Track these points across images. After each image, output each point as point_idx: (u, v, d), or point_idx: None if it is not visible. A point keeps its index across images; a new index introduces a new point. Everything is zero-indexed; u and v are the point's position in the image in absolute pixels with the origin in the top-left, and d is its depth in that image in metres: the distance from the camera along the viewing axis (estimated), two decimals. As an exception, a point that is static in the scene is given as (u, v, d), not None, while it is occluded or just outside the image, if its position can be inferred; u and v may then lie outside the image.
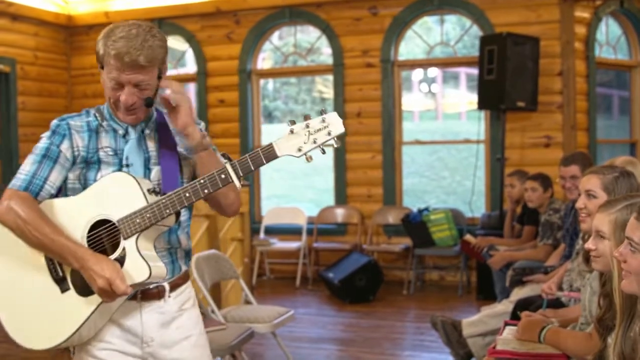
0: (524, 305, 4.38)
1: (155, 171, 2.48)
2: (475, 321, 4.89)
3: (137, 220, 2.28)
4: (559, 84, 7.61)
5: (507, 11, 7.75)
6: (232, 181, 2.26)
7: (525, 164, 7.50)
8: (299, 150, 2.24)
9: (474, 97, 16.92)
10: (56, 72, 9.35)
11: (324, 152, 2.27)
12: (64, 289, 2.34)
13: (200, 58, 9.01)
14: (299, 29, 9.47)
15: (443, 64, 9.41)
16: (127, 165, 2.44)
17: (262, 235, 8.45)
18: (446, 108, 19.50)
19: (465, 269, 7.82)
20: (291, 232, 8.50)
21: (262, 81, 9.30)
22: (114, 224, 2.32)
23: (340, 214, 8.46)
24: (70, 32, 9.47)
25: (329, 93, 17.48)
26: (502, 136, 7.48)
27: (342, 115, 8.26)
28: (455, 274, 8.02)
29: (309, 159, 2.27)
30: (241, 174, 2.26)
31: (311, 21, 8.63)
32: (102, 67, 2.37)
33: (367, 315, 6.83)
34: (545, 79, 7.56)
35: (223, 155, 2.40)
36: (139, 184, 2.32)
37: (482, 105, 7.63)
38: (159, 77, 2.41)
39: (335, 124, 2.28)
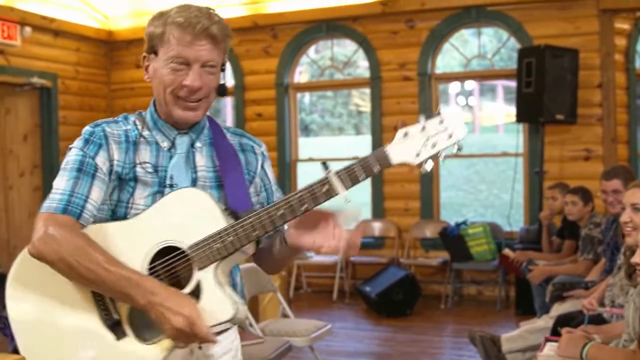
0: (564, 321, 4.33)
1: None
2: (514, 337, 4.84)
3: (217, 246, 1.86)
4: (599, 97, 7.52)
5: (545, 23, 7.69)
6: (337, 194, 1.91)
7: (565, 177, 7.42)
8: (417, 155, 1.87)
9: (511, 110, 16.80)
10: (96, 86, 9.49)
11: (443, 160, 1.89)
12: (119, 335, 1.87)
13: (238, 72, 9.08)
14: (335, 43, 9.51)
15: (480, 76, 9.37)
16: (171, 186, 2.01)
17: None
18: (483, 121, 19.40)
19: (504, 284, 7.74)
20: (328, 245, 8.48)
21: (298, 94, 9.33)
22: (183, 252, 1.89)
23: (377, 227, 8.44)
24: (111, 47, 9.62)
25: (366, 106, 17.52)
26: (541, 149, 7.41)
27: (380, 128, 8.32)
28: (493, 288, 7.94)
29: (423, 169, 1.89)
30: (349, 185, 1.91)
31: (348, 35, 8.65)
32: (155, 53, 2.00)
33: (404, 329, 6.80)
34: (585, 91, 7.48)
35: (323, 164, 1.97)
36: (215, 201, 1.92)
37: (520, 118, 7.57)
38: (222, 69, 2.08)
39: (456, 125, 1.85)
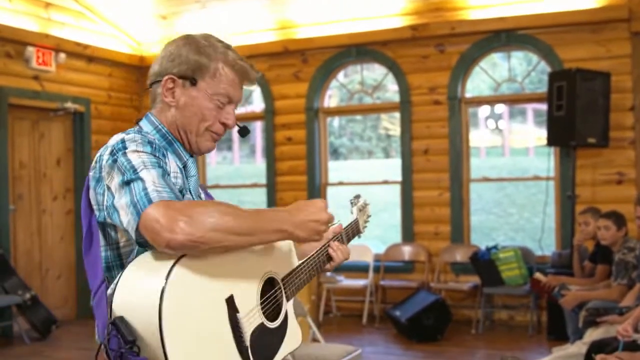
0: (598, 347, 4.27)
1: None
2: (547, 363, 4.79)
3: (296, 280, 2.06)
4: (631, 120, 7.46)
5: (576, 47, 7.66)
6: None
7: (597, 201, 7.35)
8: (365, 222, 2.71)
9: (541, 133, 16.71)
10: (129, 111, 9.61)
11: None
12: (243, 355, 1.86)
13: (268, 96, 9.14)
14: (364, 67, 9.55)
15: (510, 100, 9.34)
16: None
17: (328, 273, 8.45)
18: (513, 144, 19.31)
19: (536, 309, 7.66)
20: (358, 269, 8.48)
21: (328, 118, 9.37)
22: (278, 284, 2.02)
23: (407, 251, 8.41)
24: (142, 73, 9.75)
25: (395, 130, 17.55)
26: (573, 173, 7.35)
27: (410, 152, 8.32)
28: (525, 313, 7.86)
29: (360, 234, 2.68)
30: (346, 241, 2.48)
31: (377, 59, 8.69)
32: (193, 81, 1.99)
33: (435, 354, 6.74)
34: (617, 114, 7.43)
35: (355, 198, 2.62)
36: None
37: (551, 141, 7.52)
38: None
39: (367, 208, 2.71)
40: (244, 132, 2.13)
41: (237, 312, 1.84)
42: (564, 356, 4.78)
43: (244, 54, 7.75)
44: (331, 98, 10.93)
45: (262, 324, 1.93)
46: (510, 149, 19.09)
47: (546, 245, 8.12)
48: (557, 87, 7.25)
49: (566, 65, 7.57)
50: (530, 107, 17.83)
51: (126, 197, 1.74)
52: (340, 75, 9.71)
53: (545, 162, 7.96)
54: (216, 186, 10.53)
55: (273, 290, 1.99)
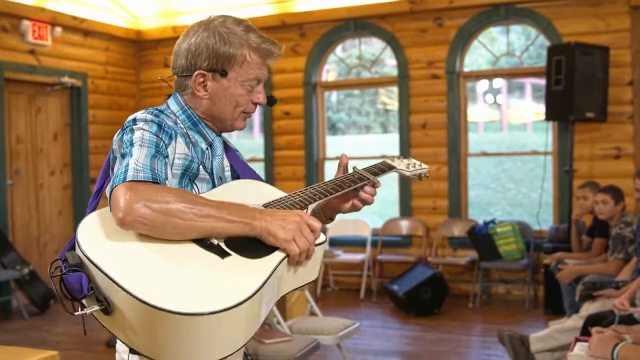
0: (595, 320, 4.29)
1: None
2: (543, 336, 4.81)
3: (288, 204, 2.00)
4: (630, 94, 7.44)
5: (575, 20, 7.62)
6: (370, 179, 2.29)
7: (595, 176, 7.36)
8: (407, 166, 2.47)
9: (540, 108, 16.69)
10: (126, 85, 9.57)
11: (421, 178, 2.51)
12: (223, 255, 1.79)
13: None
14: (362, 41, 9.50)
15: (509, 74, 9.31)
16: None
17: (326, 246, 8.45)
18: (511, 119, 19.28)
19: (533, 283, 7.69)
20: (355, 244, 8.50)
21: (326, 93, 9.34)
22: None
23: (405, 226, 8.42)
24: (140, 47, 9.69)
25: (393, 104, 17.49)
26: (571, 148, 7.34)
27: (407, 127, 8.30)
28: (522, 287, 7.89)
29: (412, 179, 2.50)
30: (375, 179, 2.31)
31: (376, 33, 8.64)
32: (223, 73, 2.04)
33: (432, 328, 6.78)
34: (615, 89, 7.40)
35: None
36: (277, 190, 2.10)
37: (549, 116, 7.51)
38: None
39: (424, 167, 2.52)
40: (272, 102, 2.21)
41: None
42: (560, 330, 4.80)
43: (241, 28, 7.50)
44: (329, 72, 10.88)
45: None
46: (508, 124, 19.05)
47: (543, 220, 8.13)
48: (555, 61, 7.22)
49: (565, 39, 7.54)
50: (528, 82, 17.76)
51: (116, 168, 1.82)
52: (338, 50, 9.66)
53: (543, 137, 7.95)
54: (214, 161, 10.51)
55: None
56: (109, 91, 9.25)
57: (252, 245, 1.84)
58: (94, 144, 8.85)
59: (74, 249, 1.78)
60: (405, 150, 8.40)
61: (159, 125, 1.93)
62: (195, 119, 2.09)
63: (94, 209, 1.96)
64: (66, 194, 8.74)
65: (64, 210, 8.70)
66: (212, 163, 2.09)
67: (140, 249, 1.75)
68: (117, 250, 1.74)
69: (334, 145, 12.63)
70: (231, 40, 2.02)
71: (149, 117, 1.95)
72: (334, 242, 8.60)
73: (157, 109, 2.04)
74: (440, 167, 8.26)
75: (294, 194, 2.05)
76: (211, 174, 2.08)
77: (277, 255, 1.83)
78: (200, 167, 2.03)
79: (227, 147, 2.22)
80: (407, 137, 8.41)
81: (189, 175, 1.99)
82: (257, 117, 18.98)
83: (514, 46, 9.18)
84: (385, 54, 9.30)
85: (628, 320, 4.02)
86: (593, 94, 7.19)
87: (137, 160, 1.79)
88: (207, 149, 2.09)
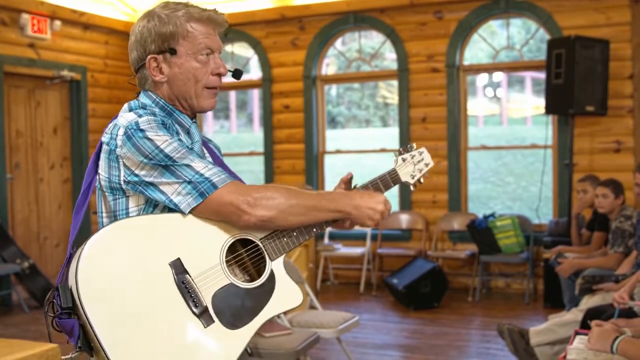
0: (594, 314, 4.29)
1: None
2: (543, 330, 4.81)
3: (285, 240, 2.05)
4: (630, 88, 7.44)
5: (575, 14, 7.61)
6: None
7: (595, 169, 7.35)
8: (412, 177, 2.38)
9: (539, 102, 16.68)
10: (125, 79, 9.56)
11: (421, 182, 2.42)
12: (207, 322, 1.91)
13: (266, 64, 9.09)
14: (362, 34, 9.48)
15: (509, 68, 9.29)
16: None
17: (326, 240, 8.47)
18: (511, 112, 19.26)
19: (532, 277, 7.70)
20: (355, 237, 8.50)
21: (325, 87, 9.33)
22: (255, 244, 2.04)
23: (404, 219, 8.42)
24: (139, 40, 9.66)
25: (393, 98, 17.47)
26: (571, 141, 7.34)
27: (407, 120, 8.30)
28: (521, 281, 7.90)
29: (415, 186, 2.41)
30: (383, 189, 2.30)
31: (376, 26, 8.63)
32: (171, 51, 2.04)
33: (432, 322, 6.78)
34: (615, 82, 7.40)
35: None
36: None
37: (549, 110, 7.51)
38: None
39: (428, 158, 2.43)
40: (237, 74, 2.18)
41: (187, 273, 1.90)
42: (560, 323, 4.80)
43: (240, 21, 7.73)
44: (329, 66, 10.87)
45: (231, 284, 1.96)
46: (508, 117, 19.04)
47: (543, 214, 8.13)
48: (555, 54, 7.21)
49: (565, 32, 7.53)
50: (528, 76, 17.75)
51: (168, 178, 1.92)
52: (338, 43, 9.65)
53: (543, 131, 7.94)
54: (213, 155, 10.52)
55: (244, 250, 2.02)
56: (109, 85, 9.24)
57: (239, 306, 1.96)
58: (93, 137, 8.84)
59: (70, 262, 1.86)
60: (406, 144, 8.36)
61: (165, 125, 1.98)
62: (168, 109, 2.10)
63: (83, 207, 2.03)
64: (66, 188, 8.73)
65: (64, 204, 8.70)
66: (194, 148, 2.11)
67: (136, 304, 1.83)
68: (112, 299, 1.82)
69: (334, 139, 12.63)
70: (170, 18, 2.03)
71: (152, 119, 1.97)
72: (334, 236, 8.61)
73: (141, 104, 2.09)
74: (440, 160, 8.26)
75: None
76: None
77: (257, 322, 1.98)
78: None
79: (204, 142, 2.22)
80: (407, 130, 8.41)
81: None
82: (256, 110, 18.99)
83: (514, 40, 9.16)
84: (385, 47, 9.28)
85: (628, 313, 4.02)
86: (593, 87, 7.19)
87: (201, 166, 1.93)
88: (186, 136, 2.10)
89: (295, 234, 2.06)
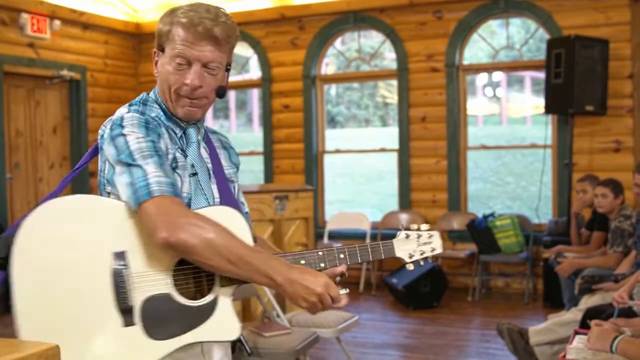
0: (594, 314, 4.29)
1: (216, 189, 2.13)
2: (542, 329, 4.82)
3: None
4: (630, 87, 7.43)
5: (575, 13, 7.61)
6: (341, 264, 2.16)
7: (594, 169, 7.35)
8: (410, 257, 2.25)
9: (539, 101, 16.66)
10: (125, 79, 9.56)
11: (420, 264, 2.29)
12: (128, 322, 1.87)
13: (265, 64, 9.09)
14: (362, 34, 9.48)
15: (508, 67, 9.29)
16: (194, 174, 2.08)
17: (325, 240, 8.47)
18: (511, 112, 19.26)
19: (532, 276, 7.70)
20: (355, 237, 8.49)
21: (325, 86, 9.33)
22: None
23: (404, 219, 8.42)
24: (139, 40, 9.68)
25: (392, 98, 17.46)
26: (570, 141, 7.34)
27: (407, 120, 8.30)
28: (521, 281, 7.90)
29: (408, 265, 2.27)
30: (356, 261, 2.17)
31: (375, 26, 8.63)
32: (163, 50, 2.03)
33: (432, 321, 6.78)
34: (615, 82, 7.40)
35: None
36: (250, 229, 2.02)
37: (549, 109, 7.51)
38: (227, 70, 2.10)
39: (438, 243, 2.29)
40: (219, 92, 2.07)
41: (126, 268, 1.87)
42: (559, 323, 4.80)
43: (240, 21, 7.64)
44: (328, 66, 10.87)
45: (167, 294, 1.90)
46: (507, 117, 19.03)
47: (543, 213, 8.13)
48: (555, 54, 7.21)
49: (565, 32, 7.53)
50: (528, 76, 17.74)
51: (125, 177, 1.89)
52: (338, 43, 9.64)
53: (543, 131, 7.94)
54: (213, 154, 10.52)
55: (195, 267, 1.93)
56: (108, 84, 9.24)
57: (167, 319, 1.89)
58: (93, 137, 8.84)
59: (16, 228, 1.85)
60: (405, 144, 8.40)
61: (147, 125, 1.96)
62: (165, 108, 2.09)
63: (65, 185, 2.15)
64: (65, 188, 8.72)
65: (64, 203, 8.69)
66: (186, 151, 2.09)
67: (64, 279, 1.82)
68: (43, 266, 1.81)
69: (333, 139, 12.63)
70: (169, 17, 2.02)
71: (136, 116, 1.98)
72: (334, 236, 8.60)
73: (141, 100, 2.10)
74: (440, 160, 8.26)
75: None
76: (189, 164, 2.08)
77: (180, 341, 1.89)
78: (180, 154, 2.05)
79: (211, 145, 2.20)
80: (407, 130, 8.41)
81: (173, 168, 2.01)
82: (256, 110, 18.99)
83: (513, 39, 9.17)
84: (384, 47, 9.28)
85: (627, 313, 4.03)
86: (593, 87, 7.19)
87: (153, 172, 1.87)
88: (181, 136, 2.09)
89: None
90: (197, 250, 1.81)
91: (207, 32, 1.96)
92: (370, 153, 11.85)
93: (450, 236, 8.23)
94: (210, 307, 1.93)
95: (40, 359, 1.40)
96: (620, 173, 6.87)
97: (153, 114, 2.06)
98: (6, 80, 7.94)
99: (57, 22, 8.33)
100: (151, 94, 2.12)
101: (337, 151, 10.11)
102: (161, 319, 1.89)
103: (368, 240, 8.31)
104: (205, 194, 2.08)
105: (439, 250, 2.28)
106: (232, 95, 18.28)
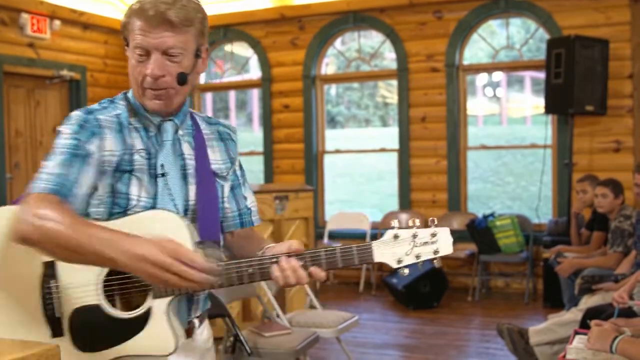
0: (594, 314, 4.29)
1: (193, 189, 2.00)
2: (543, 329, 4.81)
3: None
4: (629, 87, 7.43)
5: (575, 13, 7.61)
6: (307, 270, 1.86)
7: (594, 169, 7.35)
8: (398, 262, 1.90)
9: (539, 101, 16.66)
10: (125, 79, 9.54)
11: (408, 268, 1.94)
12: (56, 332, 1.83)
13: (265, 64, 9.09)
14: (362, 34, 9.48)
15: (508, 67, 9.29)
16: (163, 175, 1.95)
17: (326, 240, 8.47)
18: (511, 112, 19.26)
19: (532, 276, 7.70)
20: (355, 237, 8.49)
21: (325, 86, 9.33)
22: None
23: (404, 219, 8.41)
24: (138, 40, 9.66)
25: (392, 98, 17.47)
26: (570, 141, 7.34)
27: (407, 120, 8.29)
28: (521, 281, 7.90)
29: (400, 272, 1.93)
30: (324, 268, 1.88)
31: (375, 26, 8.63)
32: (128, 43, 1.93)
33: (432, 321, 6.78)
34: (615, 82, 7.40)
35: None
36: (190, 234, 1.84)
37: (549, 109, 7.51)
38: (197, 56, 1.96)
39: (445, 243, 1.97)
40: (179, 79, 1.91)
41: (52, 278, 1.83)
42: (559, 323, 4.80)
43: (240, 21, 7.70)
44: (328, 66, 10.87)
45: (97, 306, 1.83)
46: (507, 117, 19.03)
47: (543, 213, 8.13)
48: (555, 54, 7.21)
49: (565, 32, 7.53)
50: (528, 76, 17.75)
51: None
52: (338, 43, 9.64)
53: (543, 131, 7.94)
54: (213, 154, 10.52)
55: (128, 278, 1.82)
56: (108, 84, 9.23)
57: (98, 331, 1.82)
58: (93, 137, 8.83)
59: None
60: (405, 144, 8.40)
61: (83, 125, 1.88)
62: (138, 104, 1.97)
63: None
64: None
65: (63, 203, 8.69)
66: (157, 151, 1.97)
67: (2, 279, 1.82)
68: None
69: (333, 139, 12.62)
70: (128, 9, 1.92)
71: (76, 116, 1.91)
72: (334, 236, 8.60)
73: (111, 99, 2.02)
74: (440, 160, 8.26)
75: None
76: (155, 164, 1.95)
77: (111, 353, 1.82)
78: (141, 156, 1.93)
79: (199, 139, 2.06)
80: (407, 130, 8.41)
81: (123, 169, 1.91)
82: (256, 110, 18.99)
83: (513, 39, 9.16)
84: (384, 47, 9.28)
85: (627, 313, 4.02)
86: (593, 87, 7.19)
87: (50, 169, 1.83)
88: (155, 134, 1.98)
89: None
90: (36, 241, 1.70)
91: (161, 16, 1.83)
92: (370, 153, 11.85)
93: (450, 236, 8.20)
94: (143, 320, 1.82)
95: (40, 359, 1.40)
96: (620, 173, 6.86)
97: (113, 113, 1.95)
98: (6, 80, 7.93)
99: (57, 22, 8.33)
100: (129, 92, 2.02)
101: (337, 151, 10.11)
102: (90, 331, 1.82)
103: (368, 241, 8.28)
104: (173, 197, 1.96)
105: (445, 251, 1.95)
106: (232, 95, 18.28)
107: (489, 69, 9.57)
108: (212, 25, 8.94)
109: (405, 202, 8.49)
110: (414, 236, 1.93)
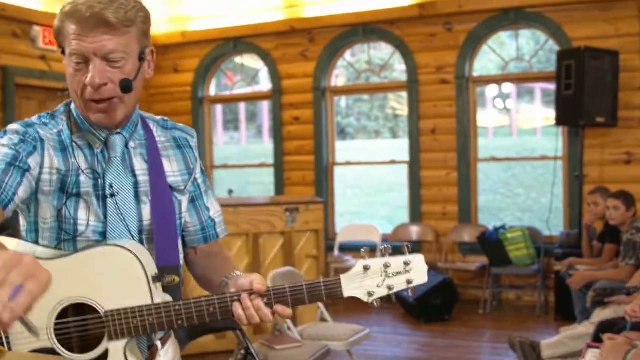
0: (606, 327, 4.27)
1: (147, 208, 1.84)
2: (555, 343, 4.80)
3: (134, 323, 1.70)
4: (640, 99, 7.42)
5: (585, 25, 7.60)
6: (272, 308, 1.75)
7: (605, 181, 7.32)
8: (369, 295, 1.79)
9: (549, 113, 16.61)
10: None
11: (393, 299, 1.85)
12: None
13: (275, 76, 9.11)
14: (371, 46, 9.50)
15: (518, 79, 9.28)
16: (112, 195, 1.79)
17: (336, 252, 8.45)
18: (521, 124, 19.24)
19: (543, 289, 7.66)
20: (365, 249, 8.46)
21: (335, 98, 9.34)
22: (99, 315, 1.70)
23: (414, 231, 8.40)
24: (149, 53, 9.70)
25: (402, 110, 17.48)
26: (581, 153, 7.32)
27: (417, 132, 8.29)
28: (532, 293, 7.86)
29: (372, 305, 1.81)
30: (290, 305, 1.77)
31: (385, 38, 8.64)
32: (63, 51, 1.74)
33: (443, 334, 6.76)
34: (626, 93, 7.38)
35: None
36: (144, 268, 1.71)
37: (559, 121, 7.49)
38: (141, 59, 1.80)
39: (419, 272, 1.82)
40: (123, 86, 1.74)
41: None
42: (571, 336, 4.78)
43: (250, 33, 7.71)
44: (338, 77, 10.89)
45: (51, 349, 1.69)
46: (517, 129, 19.01)
47: (554, 226, 8.10)
48: (565, 65, 7.20)
49: (575, 43, 7.52)
50: (538, 87, 17.73)
51: None
52: (348, 55, 9.65)
53: (553, 142, 7.91)
54: (224, 166, 10.54)
55: (79, 318, 1.70)
56: (119, 97, 9.27)
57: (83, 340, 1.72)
58: (104, 149, 8.87)
59: None
60: (415, 156, 8.39)
61: (22, 139, 1.72)
62: (82, 118, 1.80)
63: None
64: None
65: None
66: (104, 170, 1.81)
67: None
68: None
69: (344, 151, 12.63)
70: (60, 12, 1.74)
71: (20, 128, 1.77)
72: (344, 248, 8.58)
73: (52, 113, 1.86)
74: (450, 172, 8.24)
75: (152, 310, 1.71)
76: (103, 184, 1.80)
77: None
78: (86, 177, 1.78)
79: (153, 150, 1.90)
80: (417, 142, 8.40)
81: (68, 191, 1.76)
82: (266, 122, 19.03)
83: (523, 51, 9.15)
84: (394, 59, 9.30)
85: (640, 326, 4.00)
86: (603, 98, 7.17)
87: None
88: (102, 150, 1.82)
89: (151, 321, 1.69)
90: None
91: (97, 17, 1.65)
92: (381, 165, 11.84)
93: (461, 248, 8.20)
94: None
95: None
96: (632, 185, 6.83)
97: (55, 130, 1.80)
98: (18, 93, 7.98)
99: (68, 35, 8.37)
100: (72, 103, 1.84)
101: (348, 163, 10.10)
102: (82, 342, 1.71)
103: (378, 254, 8.26)
104: (125, 219, 1.81)
105: (419, 280, 1.82)
106: (242, 107, 18.33)
107: (498, 80, 9.56)
108: (223, 37, 8.99)
109: (416, 215, 8.47)
110: (386, 266, 1.80)
